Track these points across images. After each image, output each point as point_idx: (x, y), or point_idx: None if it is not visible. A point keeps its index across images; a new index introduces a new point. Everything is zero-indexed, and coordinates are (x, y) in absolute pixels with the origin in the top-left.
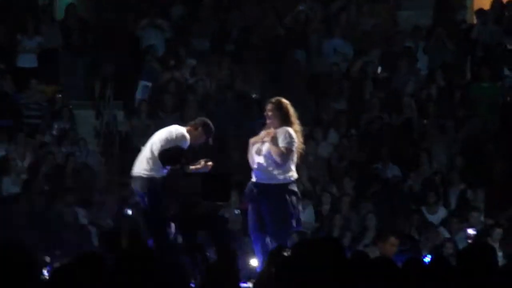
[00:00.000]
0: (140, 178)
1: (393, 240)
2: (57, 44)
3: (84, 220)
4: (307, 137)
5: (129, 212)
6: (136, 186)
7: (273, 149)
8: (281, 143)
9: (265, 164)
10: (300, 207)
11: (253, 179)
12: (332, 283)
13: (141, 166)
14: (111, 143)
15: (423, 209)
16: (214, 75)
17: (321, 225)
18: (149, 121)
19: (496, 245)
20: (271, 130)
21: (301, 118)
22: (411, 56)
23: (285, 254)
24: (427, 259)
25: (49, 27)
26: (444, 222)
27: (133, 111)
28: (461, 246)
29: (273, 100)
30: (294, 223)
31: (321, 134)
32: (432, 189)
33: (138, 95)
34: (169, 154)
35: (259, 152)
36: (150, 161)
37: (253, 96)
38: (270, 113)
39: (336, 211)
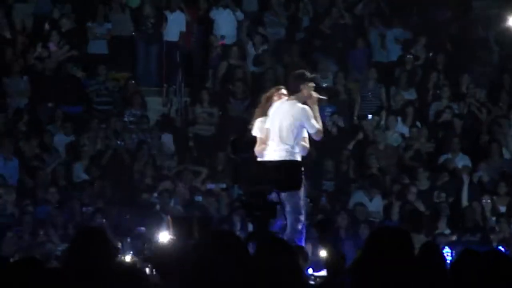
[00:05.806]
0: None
1: None
2: (128, 31)
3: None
4: (377, 126)
5: (200, 199)
6: None
7: None
8: None
9: None
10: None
11: None
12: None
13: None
14: (181, 131)
15: (494, 199)
16: (284, 63)
17: (388, 214)
18: (212, 109)
19: None
20: None
21: (371, 107)
22: (485, 47)
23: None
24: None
25: (119, 14)
26: None
27: (197, 98)
28: None
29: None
30: None
31: (391, 124)
32: (502, 180)
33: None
34: (241, 142)
35: None
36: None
37: (324, 85)
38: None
39: (404, 200)
